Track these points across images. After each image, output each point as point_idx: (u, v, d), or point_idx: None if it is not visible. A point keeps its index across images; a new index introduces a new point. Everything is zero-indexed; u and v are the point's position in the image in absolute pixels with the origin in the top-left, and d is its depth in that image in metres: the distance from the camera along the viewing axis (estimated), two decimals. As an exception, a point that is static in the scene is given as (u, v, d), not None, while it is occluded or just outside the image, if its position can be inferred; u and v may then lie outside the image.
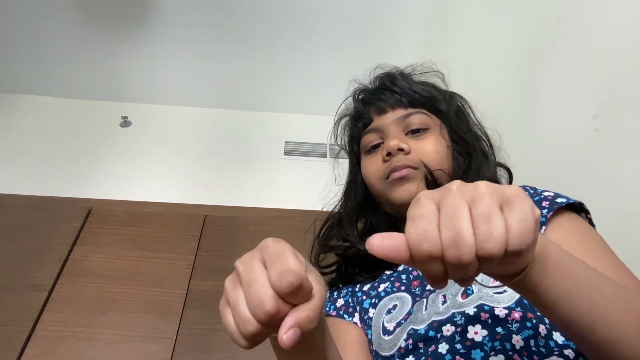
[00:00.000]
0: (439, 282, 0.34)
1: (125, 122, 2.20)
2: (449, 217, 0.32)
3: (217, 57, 2.14)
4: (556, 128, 1.12)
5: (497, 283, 0.59)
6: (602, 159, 0.95)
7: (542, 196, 0.65)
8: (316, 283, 0.37)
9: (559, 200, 0.63)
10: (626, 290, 0.44)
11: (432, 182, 0.70)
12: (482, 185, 0.34)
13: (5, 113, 2.19)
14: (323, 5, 1.97)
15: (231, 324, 0.36)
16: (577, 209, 0.65)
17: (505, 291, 0.58)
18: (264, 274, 0.35)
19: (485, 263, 0.32)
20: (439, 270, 0.33)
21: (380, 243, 0.33)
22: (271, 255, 0.35)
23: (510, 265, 0.35)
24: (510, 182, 0.76)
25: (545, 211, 0.62)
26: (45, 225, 1.63)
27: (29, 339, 1.37)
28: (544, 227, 0.61)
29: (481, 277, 0.59)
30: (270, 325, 0.34)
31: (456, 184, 0.35)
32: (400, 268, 0.75)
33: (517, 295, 0.57)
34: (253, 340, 0.35)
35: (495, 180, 0.76)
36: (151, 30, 2.04)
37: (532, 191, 0.68)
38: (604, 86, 0.96)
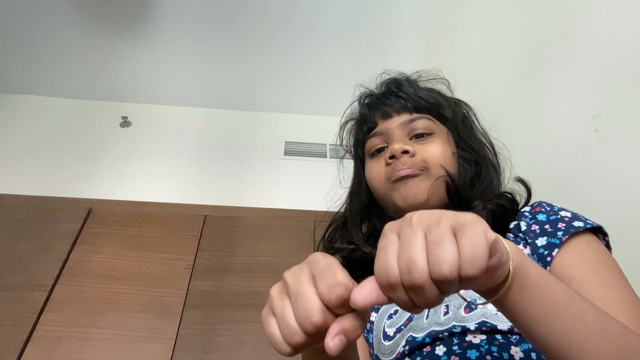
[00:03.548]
0: (411, 308, 0.35)
1: (125, 122, 2.21)
2: (404, 246, 0.34)
3: (217, 57, 2.15)
4: (556, 129, 1.12)
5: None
6: (602, 159, 0.95)
7: (559, 216, 0.63)
8: None
9: (576, 223, 0.61)
10: (613, 323, 0.42)
11: (452, 183, 0.69)
12: (438, 213, 0.35)
13: (5, 113, 2.19)
14: (324, 7, 1.97)
15: (276, 333, 0.37)
16: (595, 230, 0.63)
17: None
18: (311, 287, 0.36)
19: (444, 286, 0.33)
20: (404, 297, 0.34)
21: (361, 295, 0.35)
22: (320, 269, 0.37)
23: (479, 284, 0.36)
24: (528, 197, 0.74)
25: (560, 233, 0.60)
26: (45, 225, 1.63)
27: (29, 339, 1.37)
28: (556, 250, 0.59)
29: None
30: (315, 336, 0.36)
31: (417, 213, 0.36)
32: None
33: None
34: (297, 349, 0.37)
35: (501, 192, 0.73)
36: (151, 30, 2.04)
37: (548, 208, 0.66)
38: (604, 86, 0.96)
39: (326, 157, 2.17)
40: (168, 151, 2.13)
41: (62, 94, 2.28)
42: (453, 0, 1.85)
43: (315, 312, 0.35)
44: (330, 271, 0.36)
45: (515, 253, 0.39)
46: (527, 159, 1.15)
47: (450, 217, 0.35)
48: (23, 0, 1.92)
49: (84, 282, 1.50)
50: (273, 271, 1.56)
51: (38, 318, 1.41)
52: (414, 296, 0.34)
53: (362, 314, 0.37)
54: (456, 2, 1.82)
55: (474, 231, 0.33)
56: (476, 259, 0.32)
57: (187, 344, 1.40)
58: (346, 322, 0.35)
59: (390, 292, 0.34)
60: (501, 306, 0.40)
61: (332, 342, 0.35)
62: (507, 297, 0.38)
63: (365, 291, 0.35)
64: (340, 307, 0.35)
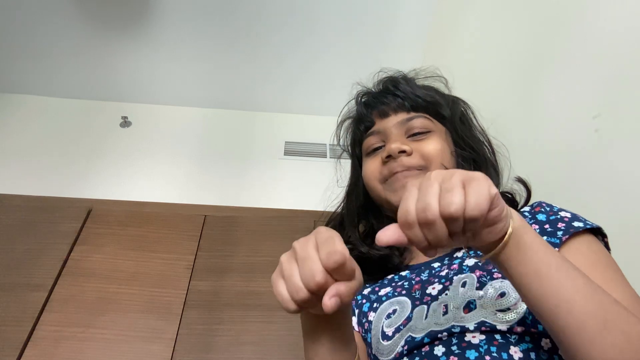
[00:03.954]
0: (425, 248, 0.43)
1: (125, 122, 2.20)
2: (422, 194, 0.42)
3: (217, 57, 2.15)
4: (556, 128, 1.12)
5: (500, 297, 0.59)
6: (602, 159, 0.95)
7: (559, 216, 0.63)
8: (357, 269, 0.45)
9: (575, 224, 0.61)
10: (602, 292, 0.45)
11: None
12: (452, 170, 0.43)
13: (5, 113, 2.19)
14: (324, 7, 1.97)
15: (283, 292, 0.44)
16: (594, 231, 0.63)
17: (508, 309, 0.56)
18: (316, 252, 0.43)
19: (452, 225, 0.40)
20: (419, 234, 0.42)
21: (385, 234, 0.43)
22: (322, 239, 0.43)
23: (482, 239, 0.43)
24: (528, 198, 0.73)
25: (560, 233, 0.61)
26: (45, 225, 1.63)
27: (29, 339, 1.37)
28: (556, 249, 0.57)
29: (486, 292, 0.59)
30: (316, 294, 0.42)
31: (435, 171, 0.44)
32: (403, 273, 0.74)
33: (521, 315, 0.56)
34: (300, 306, 0.43)
35: (501, 192, 0.73)
36: (151, 30, 2.04)
37: (548, 209, 0.66)
38: (604, 86, 0.96)
39: (326, 157, 2.17)
40: (168, 151, 2.13)
41: (62, 94, 2.28)
42: None
43: (318, 272, 0.41)
44: (330, 241, 0.42)
45: (517, 217, 0.45)
46: (526, 159, 1.15)
47: (462, 173, 0.42)
48: (23, 0, 1.92)
49: (84, 282, 1.50)
50: (273, 271, 1.55)
51: (38, 318, 1.41)
52: (427, 233, 0.41)
53: (356, 282, 0.44)
54: (456, 1, 1.82)
55: (479, 184, 0.41)
56: (478, 204, 0.40)
57: (187, 344, 1.40)
58: (341, 286, 0.42)
59: (409, 230, 0.42)
60: (496, 261, 0.46)
61: (329, 301, 0.41)
62: (503, 253, 0.45)
63: (389, 231, 0.43)
64: (337, 272, 0.42)
